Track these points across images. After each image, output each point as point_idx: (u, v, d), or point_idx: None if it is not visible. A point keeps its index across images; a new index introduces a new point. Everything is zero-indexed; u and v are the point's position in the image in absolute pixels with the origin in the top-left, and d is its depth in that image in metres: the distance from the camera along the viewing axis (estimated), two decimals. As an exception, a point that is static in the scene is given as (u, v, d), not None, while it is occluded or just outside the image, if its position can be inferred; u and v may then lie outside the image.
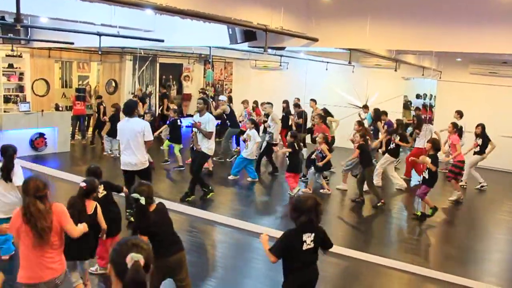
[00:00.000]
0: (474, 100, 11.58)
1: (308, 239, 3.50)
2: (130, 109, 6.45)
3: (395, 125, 9.58)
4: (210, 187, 8.14)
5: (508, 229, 7.92)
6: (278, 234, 6.55)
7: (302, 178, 9.40)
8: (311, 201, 3.53)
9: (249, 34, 6.45)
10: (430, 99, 14.51)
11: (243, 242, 6.65)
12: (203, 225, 7.09)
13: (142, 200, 3.79)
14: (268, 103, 11.01)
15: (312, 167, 8.87)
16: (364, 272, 5.78)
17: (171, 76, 16.17)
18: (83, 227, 3.74)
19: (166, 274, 3.95)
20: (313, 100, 11.73)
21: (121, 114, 7.97)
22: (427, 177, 7.33)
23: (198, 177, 7.99)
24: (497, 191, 9.53)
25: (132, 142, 6.28)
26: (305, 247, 3.49)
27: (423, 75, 11.93)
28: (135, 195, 3.80)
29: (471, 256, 6.51)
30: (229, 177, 9.51)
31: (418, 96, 17.37)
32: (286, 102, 11.99)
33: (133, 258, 1.90)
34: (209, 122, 7.79)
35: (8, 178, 5.04)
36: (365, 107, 11.78)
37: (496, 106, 10.56)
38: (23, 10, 4.18)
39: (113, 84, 14.38)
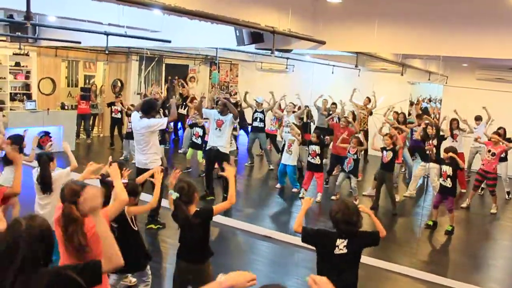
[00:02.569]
0: (480, 105, 11.53)
1: (341, 244, 3.42)
2: (149, 108, 6.19)
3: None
4: (213, 192, 8.09)
5: (513, 235, 7.89)
6: (281, 236, 6.63)
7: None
8: (353, 209, 3.43)
9: (256, 36, 6.45)
10: (440, 103, 14.40)
11: (246, 244, 6.64)
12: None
13: (174, 195, 3.68)
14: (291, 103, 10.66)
15: (342, 172, 8.68)
16: (368, 277, 5.75)
17: (176, 77, 16.20)
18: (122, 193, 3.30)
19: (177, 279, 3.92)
20: (368, 98, 11.67)
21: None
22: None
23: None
24: (502, 197, 9.49)
25: (141, 141, 6.18)
26: (337, 251, 3.41)
27: (429, 79, 11.89)
28: (171, 191, 3.72)
29: (474, 262, 6.47)
30: (293, 190, 9.07)
31: (430, 100, 17.21)
32: (307, 107, 11.83)
33: None
34: (232, 120, 7.69)
35: (47, 188, 4.64)
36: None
37: (502, 112, 10.52)
38: (31, 8, 4.19)
39: (119, 83, 14.42)
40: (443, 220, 7.76)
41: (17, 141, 5.71)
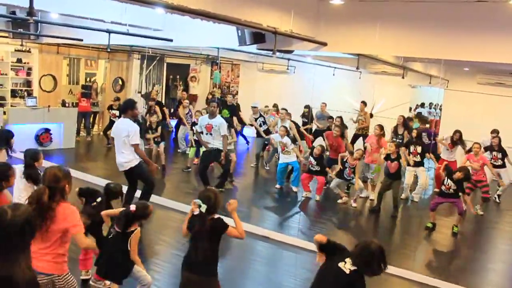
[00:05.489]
0: (480, 110, 11.56)
1: (349, 264, 3.30)
2: (125, 108, 6.22)
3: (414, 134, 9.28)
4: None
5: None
6: (279, 237, 6.63)
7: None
8: (373, 246, 3.28)
9: (258, 36, 6.46)
10: (440, 109, 14.38)
11: (244, 244, 6.63)
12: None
13: (203, 208, 3.61)
14: (283, 109, 10.47)
15: (336, 178, 8.58)
16: (365, 279, 5.75)
17: (178, 77, 16.21)
18: (91, 242, 3.52)
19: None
20: (363, 103, 11.56)
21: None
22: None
23: (228, 172, 8.28)
24: (501, 202, 9.50)
25: (118, 142, 6.17)
26: (341, 265, 3.31)
27: (430, 83, 11.90)
28: (198, 201, 3.63)
29: (473, 266, 6.48)
30: (293, 189, 9.07)
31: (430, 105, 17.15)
32: (307, 106, 11.71)
33: None
34: (221, 125, 7.66)
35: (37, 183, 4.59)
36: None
37: (503, 116, 10.55)
38: (34, 5, 4.20)
39: (120, 82, 14.43)
40: (443, 222, 7.76)
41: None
